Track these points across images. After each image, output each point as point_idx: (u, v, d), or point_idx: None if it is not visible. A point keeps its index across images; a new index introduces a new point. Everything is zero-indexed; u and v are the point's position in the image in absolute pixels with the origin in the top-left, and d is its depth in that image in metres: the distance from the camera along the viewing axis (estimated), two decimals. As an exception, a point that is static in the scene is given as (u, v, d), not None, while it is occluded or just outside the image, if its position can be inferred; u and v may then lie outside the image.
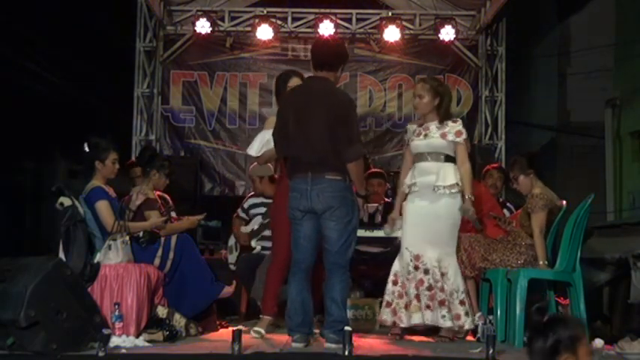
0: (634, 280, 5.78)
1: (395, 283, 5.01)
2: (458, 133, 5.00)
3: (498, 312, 4.99)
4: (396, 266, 5.04)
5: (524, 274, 4.86)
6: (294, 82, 5.11)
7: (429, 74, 8.88)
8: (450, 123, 5.04)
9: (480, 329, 4.92)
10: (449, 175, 4.95)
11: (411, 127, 5.19)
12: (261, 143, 5.15)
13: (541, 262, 4.98)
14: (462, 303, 4.90)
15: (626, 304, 5.98)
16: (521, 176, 5.23)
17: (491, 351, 3.93)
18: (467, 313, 4.89)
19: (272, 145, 4.92)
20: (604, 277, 6.40)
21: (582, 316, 4.87)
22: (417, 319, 4.90)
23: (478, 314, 5.09)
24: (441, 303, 4.87)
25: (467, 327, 4.92)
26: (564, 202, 5.14)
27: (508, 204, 6.66)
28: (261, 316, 5.13)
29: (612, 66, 10.86)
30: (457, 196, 4.94)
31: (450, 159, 5.00)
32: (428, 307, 4.88)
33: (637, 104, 10.11)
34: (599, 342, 4.83)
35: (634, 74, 10.15)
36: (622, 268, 6.11)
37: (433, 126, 5.04)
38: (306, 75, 5.16)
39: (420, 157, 5.04)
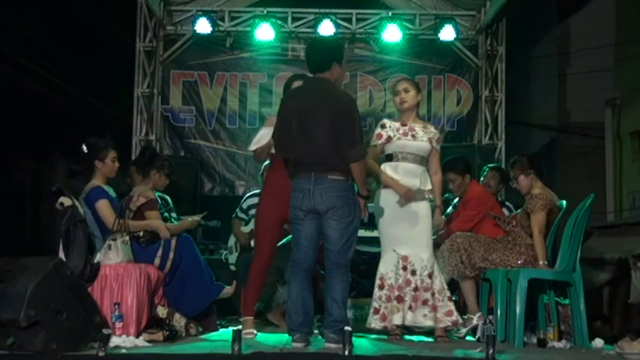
0: (634, 280, 5.79)
1: (381, 287, 5.01)
2: (439, 140, 5.18)
3: (498, 312, 4.99)
4: (380, 269, 5.04)
5: (524, 274, 4.87)
6: (297, 85, 5.12)
7: (428, 74, 8.94)
8: (432, 129, 5.18)
9: (479, 329, 4.93)
10: (428, 179, 5.08)
11: (392, 123, 5.15)
12: (257, 138, 5.21)
13: (541, 262, 4.99)
14: (450, 299, 4.99)
15: (626, 304, 6.00)
16: (522, 176, 5.24)
17: (491, 351, 3.93)
18: (456, 308, 5.00)
19: (264, 141, 5.08)
20: (604, 277, 6.41)
21: (582, 316, 4.88)
22: (397, 320, 4.91)
23: (478, 314, 5.11)
24: (424, 303, 4.90)
25: (460, 320, 4.99)
26: (564, 202, 5.14)
27: (507, 203, 6.66)
28: (241, 319, 5.18)
29: (612, 66, 10.86)
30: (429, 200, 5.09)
31: (426, 163, 5.12)
32: (410, 307, 4.90)
33: (637, 104, 10.11)
34: (599, 342, 4.85)
35: (634, 74, 10.15)
36: (622, 268, 6.13)
37: (418, 128, 5.09)
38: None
39: (403, 157, 5.06)
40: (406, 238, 4.97)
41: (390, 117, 8.87)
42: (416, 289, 4.91)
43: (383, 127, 5.14)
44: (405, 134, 5.07)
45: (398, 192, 4.99)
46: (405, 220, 4.99)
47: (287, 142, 4.62)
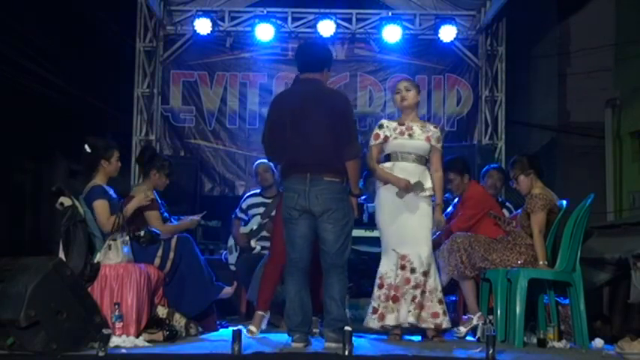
0: (634, 280, 5.78)
1: (380, 286, 5.01)
2: (439, 139, 5.13)
3: (498, 312, 4.99)
4: (381, 268, 5.04)
5: (524, 274, 4.87)
6: None
7: (428, 74, 8.93)
8: (431, 128, 5.16)
9: (479, 329, 4.93)
10: (427, 178, 5.05)
11: (389, 123, 5.16)
12: None
13: (541, 262, 4.99)
14: (440, 302, 4.95)
15: (626, 304, 5.98)
16: (522, 176, 5.24)
17: (491, 351, 3.93)
18: (444, 312, 4.94)
19: None
20: (604, 277, 6.39)
21: (582, 316, 4.88)
22: (390, 320, 4.90)
23: (478, 314, 5.11)
24: (412, 299, 4.89)
25: (445, 325, 4.95)
26: (564, 201, 5.14)
27: (507, 203, 6.66)
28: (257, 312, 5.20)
29: (612, 66, 10.85)
30: (429, 199, 5.05)
31: (426, 162, 5.09)
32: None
33: (637, 104, 10.10)
34: (599, 342, 4.85)
35: (634, 74, 10.14)
36: (622, 268, 6.11)
37: (416, 127, 5.09)
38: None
39: (401, 156, 5.06)
40: (405, 237, 4.97)
41: (390, 117, 8.98)
42: (416, 286, 4.90)
43: (380, 127, 5.15)
44: (402, 133, 5.07)
45: (397, 185, 4.96)
46: (405, 219, 4.98)
47: (279, 146, 4.62)
